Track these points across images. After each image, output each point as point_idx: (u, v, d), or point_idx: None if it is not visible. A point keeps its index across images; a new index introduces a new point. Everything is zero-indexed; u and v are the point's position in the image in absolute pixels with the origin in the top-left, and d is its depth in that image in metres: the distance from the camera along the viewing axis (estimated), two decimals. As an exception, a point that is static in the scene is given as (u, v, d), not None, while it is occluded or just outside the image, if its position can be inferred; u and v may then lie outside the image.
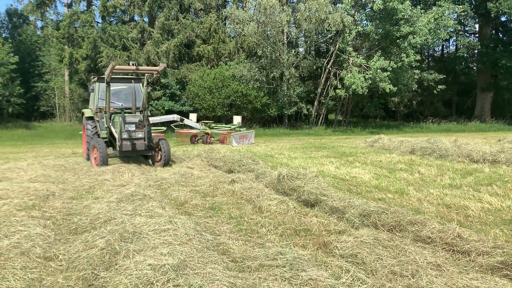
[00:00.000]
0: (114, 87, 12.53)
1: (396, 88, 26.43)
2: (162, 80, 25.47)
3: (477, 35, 38.74)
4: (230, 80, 26.33)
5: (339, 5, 27.52)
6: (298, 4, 26.77)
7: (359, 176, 10.05)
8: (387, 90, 26.11)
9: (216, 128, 20.28)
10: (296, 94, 27.33)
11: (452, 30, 31.46)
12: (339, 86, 27.58)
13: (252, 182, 8.65)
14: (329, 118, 32.84)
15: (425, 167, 11.29)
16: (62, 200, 7.53)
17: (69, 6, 29.28)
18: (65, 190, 8.42)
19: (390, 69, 25.62)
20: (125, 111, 11.77)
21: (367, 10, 28.53)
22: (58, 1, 38.80)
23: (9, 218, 5.98)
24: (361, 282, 3.97)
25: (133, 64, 10.52)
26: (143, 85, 12.11)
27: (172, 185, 8.83)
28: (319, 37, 28.48)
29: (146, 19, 28.74)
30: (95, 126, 12.36)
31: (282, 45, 26.52)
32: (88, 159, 12.15)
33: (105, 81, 11.10)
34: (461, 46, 36.54)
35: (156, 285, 3.72)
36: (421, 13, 26.92)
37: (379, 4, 25.07)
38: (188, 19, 27.42)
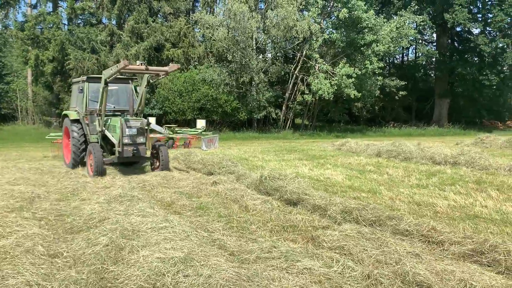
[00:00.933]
0: (100, 87, 11.61)
1: (360, 94, 27.48)
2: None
3: (435, 44, 40.69)
4: (200, 84, 26.56)
5: (306, 13, 28.32)
6: (267, 11, 27.35)
7: (332, 177, 10.59)
8: (352, 96, 27.09)
9: (180, 133, 19.63)
10: (265, 98, 27.88)
11: (412, 39, 32.95)
12: (307, 92, 28.34)
13: (234, 183, 8.99)
14: (295, 122, 33.57)
15: (392, 168, 11.99)
16: (49, 201, 7.61)
17: (34, 7, 28.62)
18: (49, 193, 8.47)
19: (355, 75, 26.63)
20: (125, 114, 11.32)
21: (333, 18, 29.48)
22: (22, 2, 37.71)
23: (2, 219, 6.07)
24: (351, 270, 4.41)
25: (141, 64, 9.59)
26: (130, 87, 11.72)
27: (155, 186, 9.04)
28: (287, 43, 29.19)
29: (114, 22, 28.52)
30: (81, 129, 11.59)
31: (252, 51, 27.01)
32: (75, 166, 11.49)
33: (104, 82, 10.18)
34: (421, 54, 38.29)
35: (168, 275, 4.04)
36: (384, 22, 28.13)
37: (345, 13, 26.02)
38: (158, 23, 27.45)
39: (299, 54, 29.36)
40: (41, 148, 18.34)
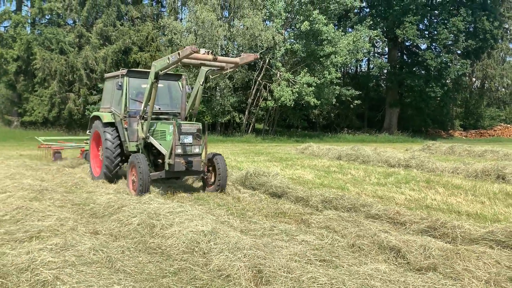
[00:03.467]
0: (143, 84, 9.76)
1: (319, 101, 29.31)
2: (100, 85, 25.73)
3: (386, 56, 43.56)
4: (167, 87, 27.31)
5: (270, 23, 29.82)
6: (233, 20, 28.59)
7: (303, 176, 11.95)
8: (312, 104, 28.85)
9: None
10: (230, 103, 29.06)
11: (366, 51, 35.31)
12: (269, 98, 29.80)
13: (221, 179, 10.10)
14: (256, 127, 34.93)
15: (354, 169, 13.54)
16: (58, 193, 8.37)
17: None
18: (53, 186, 9.21)
19: (315, 84, 28.40)
20: (174, 117, 9.75)
21: (295, 30, 31.17)
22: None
23: (31, 206, 6.87)
24: (338, 241, 5.72)
25: (209, 53, 7.78)
26: (182, 84, 9.29)
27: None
28: (252, 52, 30.54)
29: (78, 23, 28.68)
30: (117, 135, 9.76)
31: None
32: (108, 179, 9.73)
33: (155, 75, 8.23)
34: (373, 66, 40.90)
35: (202, 242, 5.17)
36: (342, 36, 30.16)
37: (306, 26, 27.73)
38: (125, 27, 27.98)
39: (262, 62, 30.79)
40: (10, 148, 18.51)
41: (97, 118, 10.43)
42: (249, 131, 31.71)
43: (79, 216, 6.75)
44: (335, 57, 29.37)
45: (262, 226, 6.35)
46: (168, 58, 7.81)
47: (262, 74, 30.68)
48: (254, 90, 30.90)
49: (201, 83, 8.92)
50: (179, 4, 31.61)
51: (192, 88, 9.53)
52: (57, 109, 25.71)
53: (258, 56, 8.78)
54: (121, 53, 27.01)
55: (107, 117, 10.03)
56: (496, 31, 38.10)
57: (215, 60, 7.80)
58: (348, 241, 5.71)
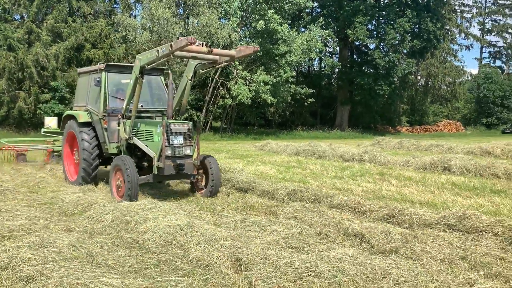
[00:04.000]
0: (123, 79, 9.30)
1: (275, 99, 29.86)
2: (51, 83, 24.88)
3: (337, 56, 44.93)
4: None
5: (226, 21, 30.00)
6: (189, 18, 28.52)
7: (265, 171, 12.31)
8: (268, 102, 29.35)
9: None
10: (187, 101, 28.95)
11: (319, 51, 36.28)
12: (227, 96, 29.99)
13: (186, 176, 10.25)
14: (213, 125, 35.01)
15: (312, 164, 14.07)
16: (21, 193, 8.24)
17: None
18: (14, 186, 8.99)
19: (271, 82, 28.91)
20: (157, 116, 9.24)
21: (251, 29, 31.54)
22: None
23: (-4, 206, 6.75)
24: (306, 230, 6.09)
25: (204, 44, 7.04)
26: (167, 79, 8.61)
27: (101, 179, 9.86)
28: (208, 49, 30.59)
29: (28, 18, 27.56)
30: (94, 136, 9.11)
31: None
32: (85, 184, 9.02)
33: (140, 70, 7.57)
34: (326, 65, 42.08)
35: (178, 236, 5.37)
36: (296, 35, 30.86)
37: (261, 25, 28.16)
38: (77, 23, 27.21)
39: (218, 60, 30.91)
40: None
41: (71, 117, 9.64)
42: (207, 129, 31.76)
43: (49, 215, 6.71)
44: (290, 56, 30.01)
45: (233, 219, 6.62)
46: (158, 51, 7.08)
47: (219, 72, 30.80)
48: (211, 88, 30.98)
49: (190, 78, 8.17)
50: (132, 1, 31.07)
51: (175, 84, 9.07)
52: (6, 108, 24.58)
53: (258, 49, 8.05)
54: (74, 50, 26.24)
55: (83, 116, 9.25)
56: (439, 32, 40.30)
57: (210, 53, 7.10)
58: (315, 229, 6.10)
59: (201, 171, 8.55)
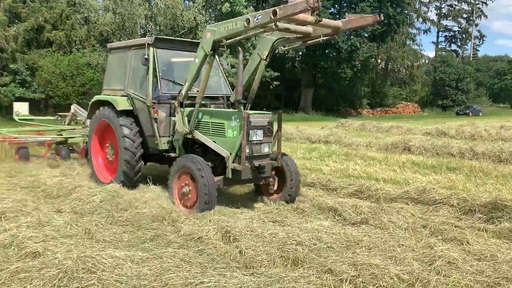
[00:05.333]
0: (176, 58, 7.92)
1: (242, 82, 30.16)
2: (11, 66, 24.12)
3: (301, 39, 45.47)
4: (85, 68, 26.39)
5: (191, 3, 29.82)
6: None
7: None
8: (234, 84, 29.62)
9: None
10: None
11: (283, 34, 36.60)
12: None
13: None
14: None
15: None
16: (0, 178, 8.31)
17: None
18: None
19: (236, 66, 29.12)
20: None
21: (216, 11, 31.49)
22: None
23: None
24: (284, 205, 6.61)
25: (312, 12, 5.24)
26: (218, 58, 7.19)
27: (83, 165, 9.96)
28: (174, 32, 30.34)
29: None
30: (138, 131, 7.34)
31: (139, 36, 27.63)
32: (126, 184, 7.23)
33: (212, 45, 5.99)
34: (290, 49, 42.59)
35: (168, 210, 5.78)
36: (261, 18, 31.07)
37: (227, 7, 28.23)
38: (37, 3, 26.33)
39: (183, 43, 30.77)
40: None
41: (104, 103, 7.82)
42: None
43: (35, 197, 6.90)
44: (255, 39, 30.25)
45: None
46: (248, 20, 5.33)
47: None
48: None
49: (264, 57, 6.77)
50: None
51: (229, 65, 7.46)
52: (-38, 92, 23.73)
53: (378, 19, 6.30)
54: (34, 31, 25.45)
55: (122, 103, 7.43)
56: (399, 17, 41.56)
57: (318, 22, 5.32)
58: (292, 205, 6.65)
59: (273, 172, 6.84)
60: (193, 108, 6.71)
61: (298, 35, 6.28)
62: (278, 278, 3.92)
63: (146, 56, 6.97)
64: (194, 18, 27.92)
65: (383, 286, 3.87)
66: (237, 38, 5.82)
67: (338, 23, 5.93)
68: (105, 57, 26.81)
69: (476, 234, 5.31)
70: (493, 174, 9.45)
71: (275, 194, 7.00)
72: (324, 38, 6.25)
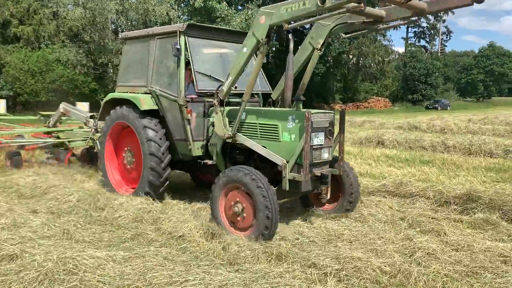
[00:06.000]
0: (210, 49, 6.95)
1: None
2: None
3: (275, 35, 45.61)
4: (55, 64, 25.70)
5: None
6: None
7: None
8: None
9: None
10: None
11: (257, 29, 36.58)
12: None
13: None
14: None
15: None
16: (-30, 178, 8.01)
17: None
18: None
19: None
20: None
21: (189, 6, 31.15)
22: None
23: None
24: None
25: None
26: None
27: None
28: (146, 26, 29.87)
29: None
30: (162, 130, 6.40)
31: (110, 32, 27.10)
32: (151, 195, 6.32)
33: (267, 32, 5.03)
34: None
35: (148, 211, 5.70)
36: (235, 13, 30.97)
37: (200, 2, 27.99)
38: (2, -3, 25.48)
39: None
40: None
41: (120, 102, 6.77)
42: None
43: (8, 198, 6.69)
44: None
45: (194, 195, 7.03)
46: None
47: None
48: (149, 66, 30.44)
49: (319, 46, 5.84)
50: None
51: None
52: None
53: None
54: (-1, 26, 24.64)
55: (146, 102, 6.41)
56: (369, 13, 42.13)
57: (407, 2, 4.30)
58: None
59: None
60: (232, 107, 5.96)
61: (367, 20, 5.40)
62: (263, 273, 3.93)
63: (179, 46, 5.95)
64: (167, 13, 27.53)
65: (366, 279, 3.93)
66: (302, 22, 5.03)
67: (424, 4, 4.83)
68: (75, 53, 26.27)
69: (452, 225, 5.46)
70: (464, 166, 9.75)
71: (328, 205, 6.04)
72: (402, 22, 5.56)
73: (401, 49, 71.38)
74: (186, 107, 6.05)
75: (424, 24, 69.72)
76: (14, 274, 3.78)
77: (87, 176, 8.23)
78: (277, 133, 5.38)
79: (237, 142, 5.65)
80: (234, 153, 6.05)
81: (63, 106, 9.83)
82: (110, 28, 27.61)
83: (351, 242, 4.89)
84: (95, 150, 8.38)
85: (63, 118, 10.20)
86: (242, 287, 3.66)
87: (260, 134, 5.57)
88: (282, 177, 5.13)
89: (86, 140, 9.04)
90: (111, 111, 6.91)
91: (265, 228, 4.75)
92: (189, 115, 6.05)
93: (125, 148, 6.95)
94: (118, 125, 6.86)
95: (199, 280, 3.78)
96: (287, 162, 5.12)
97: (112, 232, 5.23)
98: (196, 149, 6.20)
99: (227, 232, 5.04)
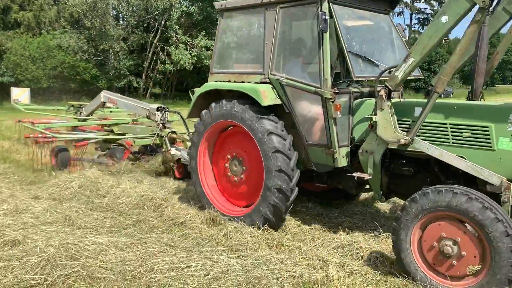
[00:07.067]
0: (357, 21, 5.22)
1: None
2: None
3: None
4: (56, 50, 25.57)
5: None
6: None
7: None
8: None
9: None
10: (126, 67, 28.18)
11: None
12: (167, 61, 29.48)
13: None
14: (153, 92, 34.41)
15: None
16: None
17: None
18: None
19: (213, 48, 28.74)
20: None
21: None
22: None
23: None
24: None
25: None
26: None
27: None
28: (147, 12, 29.60)
29: None
30: (291, 143, 4.86)
31: (111, 18, 26.89)
32: (272, 224, 4.82)
33: None
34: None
35: (151, 197, 5.71)
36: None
37: (202, -13, 27.68)
38: (2, -18, 25.25)
39: (157, 24, 30.11)
40: None
41: (221, 94, 5.36)
42: (147, 95, 31.19)
43: (9, 184, 6.71)
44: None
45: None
46: None
47: (158, 36, 30.05)
48: (151, 53, 30.26)
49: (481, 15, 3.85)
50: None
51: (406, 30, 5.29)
52: None
53: None
54: (0, 12, 24.43)
55: (268, 95, 4.85)
56: None
57: None
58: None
59: None
60: (366, 99, 4.69)
61: None
62: (264, 260, 3.94)
63: (326, 17, 4.36)
64: (168, -1, 27.24)
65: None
66: None
67: None
68: (76, 39, 26.10)
69: None
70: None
71: None
72: None
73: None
74: (333, 101, 4.45)
75: (428, 11, 69.05)
76: (17, 260, 3.79)
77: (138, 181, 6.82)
78: (488, 139, 3.92)
79: (414, 150, 4.19)
80: (396, 163, 4.58)
81: (104, 94, 8.47)
82: (111, 14, 27.38)
83: (352, 229, 4.88)
84: (163, 150, 7.46)
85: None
86: (243, 273, 3.66)
87: (453, 140, 4.12)
88: (502, 202, 3.67)
89: (150, 136, 7.79)
90: (212, 106, 5.20)
91: (507, 281, 3.30)
92: (338, 112, 4.48)
93: (229, 156, 5.34)
94: (220, 125, 5.28)
95: (201, 266, 3.79)
96: (509, 180, 3.71)
97: (113, 218, 5.24)
98: (342, 158, 4.64)
99: (422, 276, 3.67)
